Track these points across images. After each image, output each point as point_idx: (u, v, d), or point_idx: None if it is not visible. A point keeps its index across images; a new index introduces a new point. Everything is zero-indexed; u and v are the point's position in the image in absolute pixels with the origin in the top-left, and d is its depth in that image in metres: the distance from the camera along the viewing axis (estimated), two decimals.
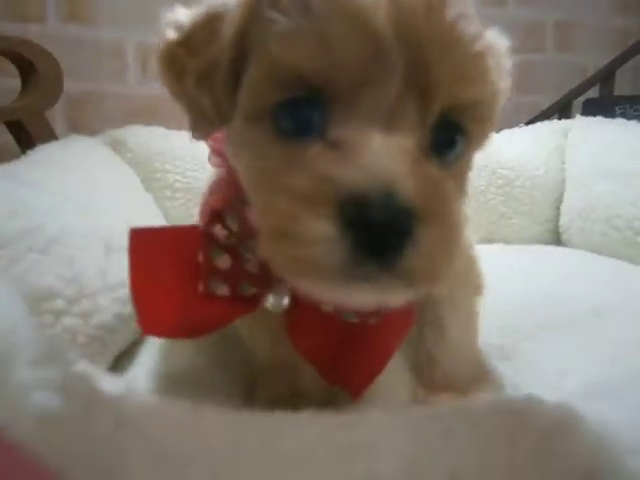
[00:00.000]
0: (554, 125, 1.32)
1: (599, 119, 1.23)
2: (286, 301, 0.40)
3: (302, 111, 0.31)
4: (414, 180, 0.27)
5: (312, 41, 0.29)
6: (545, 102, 1.75)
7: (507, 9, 1.81)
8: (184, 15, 0.37)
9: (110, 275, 0.59)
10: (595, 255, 1.00)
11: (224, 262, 0.39)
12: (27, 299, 0.45)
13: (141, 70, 1.55)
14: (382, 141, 0.29)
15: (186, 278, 0.39)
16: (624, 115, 1.61)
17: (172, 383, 0.57)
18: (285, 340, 0.43)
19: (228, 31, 0.34)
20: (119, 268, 0.61)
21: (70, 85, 1.49)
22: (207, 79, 0.35)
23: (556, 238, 1.20)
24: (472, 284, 0.55)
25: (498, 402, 0.30)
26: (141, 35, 1.53)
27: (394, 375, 0.60)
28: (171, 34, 0.37)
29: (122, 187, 0.84)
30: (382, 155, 0.28)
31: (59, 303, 0.49)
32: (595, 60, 1.75)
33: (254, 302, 0.40)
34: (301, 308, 0.40)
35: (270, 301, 0.40)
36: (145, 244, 0.40)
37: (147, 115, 1.52)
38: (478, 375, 0.58)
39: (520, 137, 1.31)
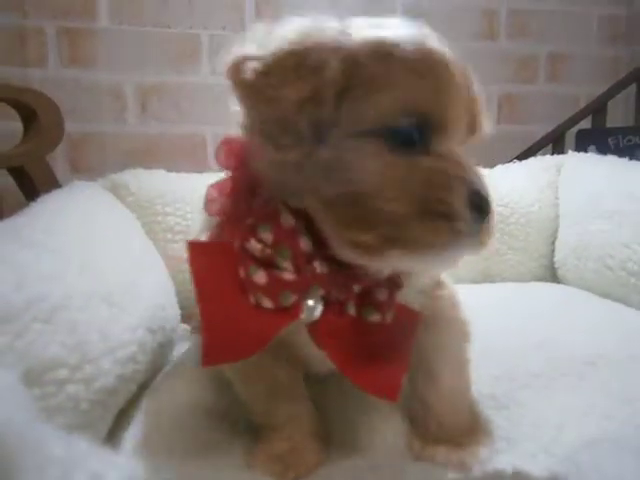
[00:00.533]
0: (547, 161, 1.34)
1: (591, 155, 1.25)
2: (319, 310, 0.43)
3: (409, 134, 0.41)
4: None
5: (431, 92, 0.41)
6: (538, 132, 1.78)
7: (499, 42, 1.85)
8: (253, 50, 0.41)
9: (112, 336, 0.60)
10: (589, 295, 1.01)
11: (261, 278, 0.41)
12: (31, 372, 0.46)
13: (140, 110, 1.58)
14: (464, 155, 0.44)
15: (238, 291, 0.42)
16: (617, 146, 1.64)
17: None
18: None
19: (333, 72, 0.40)
20: (119, 328, 0.63)
21: (71, 126, 1.52)
22: (311, 104, 0.39)
23: (552, 274, 1.21)
24: (459, 330, 0.56)
25: None
26: (139, 76, 1.57)
27: (393, 423, 0.60)
28: (253, 65, 0.40)
29: (123, 236, 0.86)
30: (471, 165, 0.43)
31: (62, 372, 0.50)
32: (587, 90, 1.79)
33: (295, 311, 0.42)
34: (325, 317, 0.44)
35: (306, 310, 0.43)
36: (202, 255, 0.42)
37: (147, 154, 1.55)
38: (473, 425, 0.58)
39: (513, 173, 1.33)
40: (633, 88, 1.64)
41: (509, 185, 1.27)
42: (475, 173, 0.42)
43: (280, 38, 0.41)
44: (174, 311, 0.88)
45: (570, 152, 1.32)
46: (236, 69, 0.41)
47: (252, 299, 0.42)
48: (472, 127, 0.47)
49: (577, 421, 0.57)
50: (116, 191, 1.16)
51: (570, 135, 1.71)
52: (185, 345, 0.86)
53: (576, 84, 1.89)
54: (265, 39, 0.42)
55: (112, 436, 0.61)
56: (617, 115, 1.77)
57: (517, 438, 0.56)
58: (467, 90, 0.45)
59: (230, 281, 0.42)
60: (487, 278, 1.19)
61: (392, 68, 0.41)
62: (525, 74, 1.88)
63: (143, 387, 0.71)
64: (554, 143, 1.70)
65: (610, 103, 1.67)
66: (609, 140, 1.62)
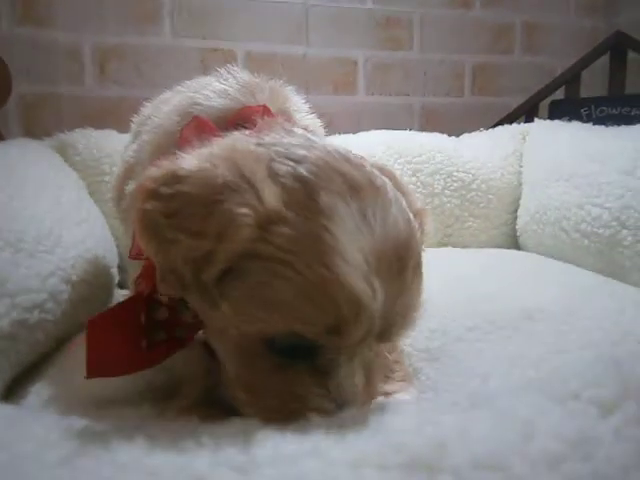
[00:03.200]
0: (513, 129, 1.31)
1: (557, 122, 1.22)
2: None
3: (297, 346, 0.39)
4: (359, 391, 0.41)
5: (321, 314, 0.37)
6: (514, 105, 1.74)
7: (474, 11, 1.80)
8: (162, 181, 0.39)
9: (11, 280, 0.56)
10: (543, 258, 0.98)
11: (162, 314, 0.46)
12: None
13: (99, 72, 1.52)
14: (347, 372, 0.40)
15: (132, 342, 0.45)
16: (589, 116, 1.60)
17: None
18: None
19: (230, 247, 0.38)
20: (24, 273, 0.59)
21: (25, 88, 1.46)
22: (197, 264, 0.38)
23: (514, 242, 1.19)
24: None
25: None
26: (98, 37, 1.51)
27: None
28: (152, 203, 0.38)
29: (52, 188, 0.81)
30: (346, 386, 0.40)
31: None
32: (563, 62, 1.75)
33: (187, 341, 0.48)
34: None
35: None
36: (100, 328, 0.45)
37: (106, 118, 1.49)
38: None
39: (479, 141, 1.30)
40: (608, 57, 1.60)
41: (472, 152, 1.25)
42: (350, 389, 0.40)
43: (206, 162, 0.39)
44: (107, 269, 0.84)
45: (537, 120, 1.29)
46: (145, 194, 0.39)
47: (144, 343, 0.45)
48: (388, 335, 0.42)
49: (504, 371, 0.55)
50: (63, 150, 1.13)
51: (544, 106, 1.68)
52: None
53: (553, 55, 1.85)
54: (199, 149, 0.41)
55: (17, 388, 0.58)
56: (595, 85, 1.73)
57: (443, 388, 0.56)
58: (392, 306, 0.40)
59: (123, 335, 0.45)
60: (447, 245, 1.16)
61: (299, 280, 0.36)
62: (500, 44, 1.83)
63: (61, 341, 0.68)
64: (527, 114, 1.66)
65: (586, 74, 1.63)
66: (582, 111, 1.59)
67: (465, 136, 1.36)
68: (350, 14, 1.68)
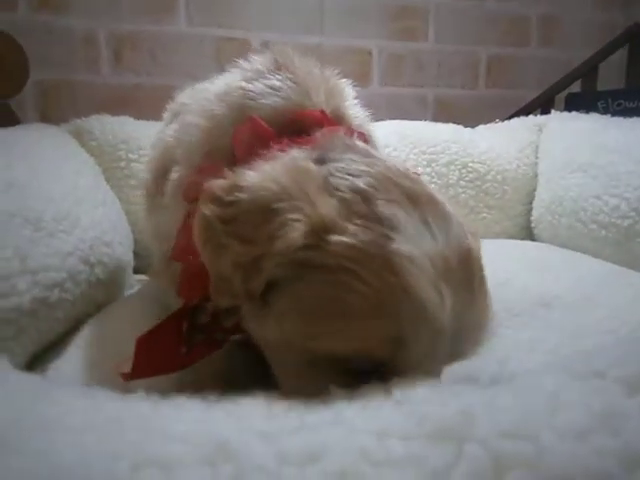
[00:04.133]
0: (530, 121, 1.30)
1: (574, 114, 1.21)
2: None
3: (361, 366, 0.37)
4: None
5: (390, 324, 0.36)
6: (529, 97, 1.72)
7: (489, 2, 1.79)
8: (225, 189, 0.40)
9: (32, 258, 0.56)
10: (558, 248, 0.97)
11: (204, 318, 0.47)
12: None
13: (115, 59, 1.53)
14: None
15: (172, 350, 0.46)
16: (606, 110, 1.59)
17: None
18: None
19: (287, 244, 0.37)
20: (44, 251, 0.59)
21: (41, 74, 1.47)
22: (245, 271, 0.38)
23: (528, 233, 1.18)
24: None
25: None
26: (114, 24, 1.51)
27: None
28: (212, 207, 0.39)
29: (69, 171, 0.82)
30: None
31: None
32: (580, 55, 1.73)
33: (224, 342, 0.48)
34: None
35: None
36: (146, 346, 0.46)
37: (121, 106, 1.50)
38: None
39: (495, 132, 1.29)
40: (626, 50, 1.58)
41: (488, 143, 1.24)
42: None
43: (263, 177, 0.40)
44: (124, 252, 0.84)
45: (553, 112, 1.28)
46: (208, 199, 0.40)
47: (183, 349, 0.46)
48: (458, 351, 0.40)
49: (523, 355, 0.54)
50: (79, 136, 1.14)
51: (560, 99, 1.66)
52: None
53: (569, 48, 1.83)
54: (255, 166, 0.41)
55: (36, 364, 0.59)
56: (612, 78, 1.71)
57: (462, 370, 0.55)
58: (461, 319, 0.38)
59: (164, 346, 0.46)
60: None
61: (361, 289, 0.35)
62: (516, 36, 1.82)
63: (79, 322, 0.68)
64: (543, 107, 1.64)
65: (603, 66, 1.61)
66: (599, 104, 1.57)
67: (481, 127, 1.35)
68: (365, 4, 1.68)
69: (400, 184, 0.40)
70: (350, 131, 0.51)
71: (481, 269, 0.41)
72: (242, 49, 1.61)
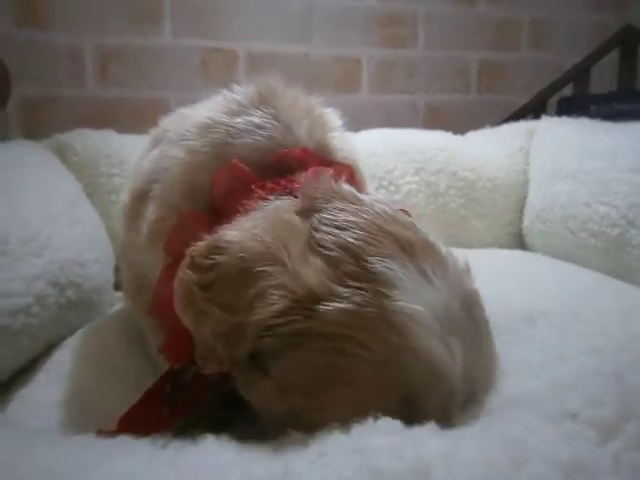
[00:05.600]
0: (520, 126, 1.28)
1: (563, 119, 1.19)
2: None
3: None
4: None
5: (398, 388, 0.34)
6: (521, 102, 1.70)
7: (478, 7, 1.77)
8: (203, 253, 0.39)
9: None
10: (547, 258, 0.95)
11: (188, 377, 0.46)
12: None
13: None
14: None
15: (155, 414, 0.45)
16: (599, 113, 1.56)
17: None
18: None
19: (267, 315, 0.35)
20: (8, 276, 0.58)
21: (25, 90, 1.46)
22: (227, 339, 0.37)
23: (520, 242, 1.16)
24: None
25: None
26: (99, 38, 1.50)
27: None
28: (190, 274, 0.38)
29: (45, 190, 0.80)
30: None
31: None
32: (572, 58, 1.71)
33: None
34: None
35: None
36: (129, 422, 0.44)
37: (107, 120, 1.48)
38: None
39: (484, 138, 1.27)
40: (618, 53, 1.56)
41: (477, 150, 1.22)
42: None
43: (244, 236, 0.39)
44: (100, 271, 0.82)
45: (544, 117, 1.26)
46: (187, 263, 0.39)
47: (165, 411, 0.45)
48: (470, 400, 0.38)
49: (502, 379, 0.52)
50: (61, 151, 1.12)
51: (552, 104, 1.64)
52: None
53: (561, 51, 1.81)
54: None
55: (3, 392, 0.57)
56: (604, 82, 1.68)
57: None
58: (470, 371, 0.36)
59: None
60: (451, 246, 1.12)
61: (365, 356, 0.34)
62: (506, 41, 1.80)
63: (51, 346, 0.66)
64: (535, 112, 1.62)
65: (595, 69, 1.59)
66: (591, 108, 1.55)
67: (470, 134, 1.33)
68: (353, 12, 1.66)
69: (391, 233, 0.38)
70: (336, 170, 0.48)
71: (483, 311, 0.39)
72: (229, 60, 1.60)
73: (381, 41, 1.70)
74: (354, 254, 0.36)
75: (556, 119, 1.22)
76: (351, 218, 0.39)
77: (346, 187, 0.44)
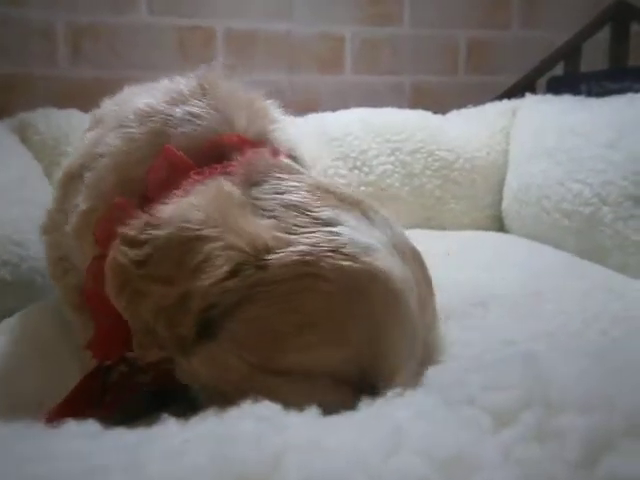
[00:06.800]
0: (503, 105, 1.24)
1: (548, 97, 1.14)
2: None
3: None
4: None
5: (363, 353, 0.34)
6: (510, 82, 1.64)
7: None
8: (137, 228, 0.37)
9: None
10: (521, 240, 0.91)
11: (115, 376, 0.43)
12: None
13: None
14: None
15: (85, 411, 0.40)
16: (589, 93, 1.50)
17: None
18: None
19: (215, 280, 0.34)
20: None
21: None
22: (170, 317, 0.35)
23: (499, 226, 1.11)
24: None
25: None
26: (72, 15, 1.45)
27: None
28: (124, 250, 0.37)
29: None
30: None
31: None
32: (564, 36, 1.65)
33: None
34: None
35: None
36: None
37: (80, 100, 1.43)
38: None
39: (465, 118, 1.23)
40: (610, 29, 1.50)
41: (457, 130, 1.17)
42: None
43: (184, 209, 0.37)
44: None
45: (527, 95, 1.21)
46: (120, 240, 0.37)
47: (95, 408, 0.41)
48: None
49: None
50: (23, 130, 1.10)
51: (542, 84, 1.58)
52: None
53: (553, 29, 1.74)
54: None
55: None
56: (596, 60, 1.62)
57: None
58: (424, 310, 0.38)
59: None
60: (426, 228, 1.08)
61: (323, 289, 0.34)
62: (496, 18, 1.74)
63: None
64: (524, 93, 1.56)
65: (586, 47, 1.52)
66: (582, 87, 1.49)
67: (452, 113, 1.29)
68: None
69: (334, 192, 0.39)
70: (274, 150, 0.48)
71: (427, 270, 0.41)
72: (207, 39, 1.55)
73: (366, 18, 1.64)
74: (299, 209, 0.36)
75: (540, 97, 1.18)
76: (292, 183, 0.39)
77: (285, 160, 0.45)
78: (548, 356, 0.29)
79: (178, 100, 0.52)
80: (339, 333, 0.33)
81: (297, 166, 0.47)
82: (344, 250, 0.34)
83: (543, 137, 0.95)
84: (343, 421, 0.25)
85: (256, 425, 0.25)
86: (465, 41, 1.73)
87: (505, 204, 1.07)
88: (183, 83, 0.55)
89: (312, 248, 0.34)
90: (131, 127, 0.51)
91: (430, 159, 1.11)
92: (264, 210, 0.37)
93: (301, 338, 0.33)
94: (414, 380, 0.34)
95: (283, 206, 0.37)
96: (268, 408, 0.27)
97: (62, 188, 0.59)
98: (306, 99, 1.61)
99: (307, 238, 0.35)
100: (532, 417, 0.23)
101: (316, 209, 0.36)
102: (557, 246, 0.84)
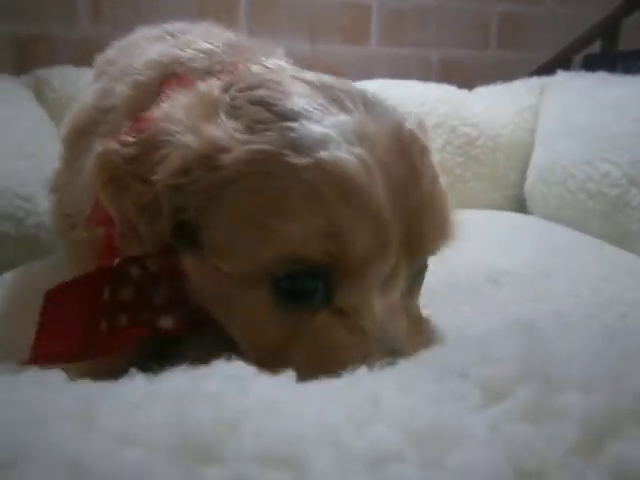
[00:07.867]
0: (532, 82, 1.18)
1: (580, 73, 1.08)
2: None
3: (306, 282, 0.34)
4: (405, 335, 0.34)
5: (322, 234, 0.33)
6: (544, 59, 1.57)
7: None
8: (129, 131, 0.38)
9: None
10: (541, 221, 0.87)
11: (127, 293, 0.39)
12: None
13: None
14: (382, 306, 0.34)
15: (89, 323, 0.39)
16: (627, 71, 1.43)
17: None
18: None
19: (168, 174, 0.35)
20: None
21: (16, 27, 1.40)
22: (148, 213, 0.36)
23: (522, 206, 1.06)
24: None
25: None
26: None
27: None
28: (116, 146, 0.37)
29: (5, 124, 0.76)
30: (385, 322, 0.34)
31: None
32: (601, 12, 1.56)
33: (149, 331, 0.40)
34: None
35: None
36: (58, 302, 0.39)
37: None
38: None
39: (493, 94, 1.18)
40: None
41: (482, 105, 1.12)
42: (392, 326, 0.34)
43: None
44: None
45: (559, 72, 1.15)
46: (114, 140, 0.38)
47: (103, 325, 0.38)
48: (418, 244, 0.36)
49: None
50: (39, 87, 1.09)
51: (578, 62, 1.51)
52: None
53: (591, 5, 1.65)
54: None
55: None
56: (636, 38, 1.53)
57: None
58: (405, 198, 0.34)
59: (80, 313, 0.39)
60: None
61: (275, 186, 0.33)
62: None
63: None
64: (557, 71, 1.49)
65: (625, 24, 1.44)
66: (619, 66, 1.41)
67: (479, 89, 1.23)
68: None
69: (309, 81, 0.37)
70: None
71: (421, 142, 0.37)
72: (229, 5, 1.51)
73: None
74: (266, 104, 0.36)
75: (572, 73, 1.12)
76: (268, 77, 0.39)
77: (271, 59, 0.46)
78: (550, 330, 0.26)
79: (187, 40, 0.53)
80: (299, 227, 0.33)
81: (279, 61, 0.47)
82: (297, 145, 0.33)
83: (573, 113, 0.90)
84: (317, 388, 0.23)
85: (221, 385, 0.23)
86: (497, 14, 1.66)
87: (528, 184, 1.02)
88: (191, 31, 0.57)
89: (264, 147, 0.34)
90: (138, 74, 0.51)
91: (452, 135, 1.07)
92: (235, 108, 0.37)
93: (264, 229, 0.33)
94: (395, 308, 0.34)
95: (250, 102, 0.36)
96: (239, 368, 0.25)
97: (70, 147, 0.59)
98: (329, 70, 1.56)
99: (263, 136, 0.34)
100: (527, 393, 0.20)
101: (279, 102, 0.35)
102: (580, 229, 0.79)
